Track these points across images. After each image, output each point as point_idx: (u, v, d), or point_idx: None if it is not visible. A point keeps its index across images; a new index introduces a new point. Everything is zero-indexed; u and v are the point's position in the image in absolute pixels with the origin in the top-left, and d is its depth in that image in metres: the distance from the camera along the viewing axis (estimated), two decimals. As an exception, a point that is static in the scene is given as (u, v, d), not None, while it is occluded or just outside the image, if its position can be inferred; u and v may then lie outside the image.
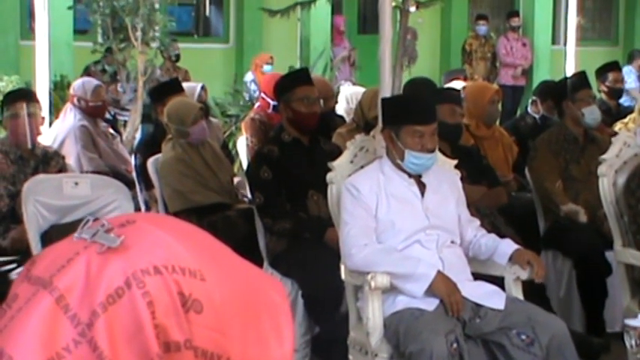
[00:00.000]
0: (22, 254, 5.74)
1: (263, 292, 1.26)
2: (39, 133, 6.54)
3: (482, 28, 15.97)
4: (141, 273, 1.15)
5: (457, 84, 8.51)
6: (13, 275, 4.77)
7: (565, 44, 13.54)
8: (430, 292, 4.68)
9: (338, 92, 9.43)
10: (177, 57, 14.08)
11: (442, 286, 4.68)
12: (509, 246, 5.00)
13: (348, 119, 8.31)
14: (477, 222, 5.10)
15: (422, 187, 4.94)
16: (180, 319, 1.16)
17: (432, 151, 4.89)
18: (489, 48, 15.88)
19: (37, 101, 6.67)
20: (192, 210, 6.57)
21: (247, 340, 1.21)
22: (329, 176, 5.17)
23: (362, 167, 5.10)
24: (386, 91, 5.69)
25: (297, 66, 14.90)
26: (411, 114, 4.90)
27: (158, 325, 1.14)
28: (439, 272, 4.70)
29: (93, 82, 8.75)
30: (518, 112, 13.00)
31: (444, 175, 5.07)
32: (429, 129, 4.87)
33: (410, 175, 4.91)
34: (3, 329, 1.16)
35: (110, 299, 1.14)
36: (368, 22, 17.98)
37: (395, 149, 4.89)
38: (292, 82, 6.57)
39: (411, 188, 4.91)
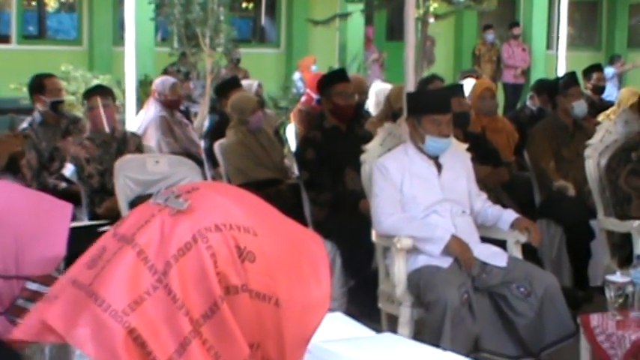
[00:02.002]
0: (114, 219, 5.77)
1: (304, 243, 1.26)
2: (114, 120, 6.55)
3: (489, 36, 15.90)
4: (205, 230, 1.15)
5: (469, 81, 8.46)
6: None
7: (557, 49, 13.47)
8: (445, 252, 4.67)
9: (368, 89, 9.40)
10: (238, 60, 14.08)
11: (456, 247, 4.67)
12: (510, 215, 4.98)
13: (377, 110, 8.29)
14: (485, 195, 5.08)
15: (439, 166, 4.91)
16: (238, 267, 1.16)
17: (448, 136, 4.87)
18: (495, 52, 15.80)
19: (110, 94, 6.68)
20: (250, 184, 6.58)
21: (292, 283, 1.20)
22: (362, 157, 5.17)
23: (389, 150, 5.08)
24: (409, 87, 5.68)
25: (336, 67, 14.88)
26: (430, 105, 4.88)
27: (219, 272, 1.14)
28: (453, 235, 4.69)
29: (170, 80, 8.77)
30: (519, 105, 12.92)
31: (458, 156, 5.04)
32: (445, 118, 4.84)
33: (429, 157, 4.89)
34: (96, 277, 1.16)
35: (180, 252, 1.15)
36: (395, 31, 17.90)
37: (417, 135, 4.87)
38: (332, 80, 6.57)
39: (430, 168, 4.89)
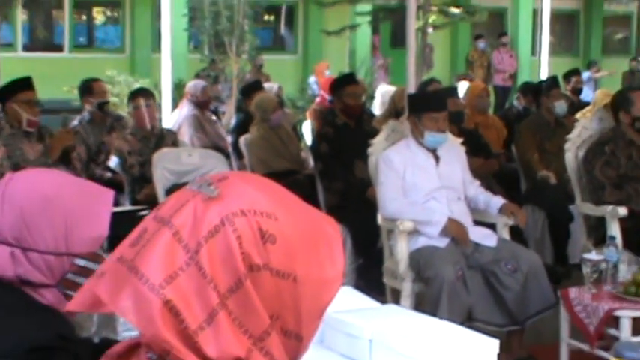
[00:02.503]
0: (152, 205, 5.78)
1: (321, 226, 1.25)
2: (155, 119, 6.55)
3: (481, 44, 15.85)
4: (232, 215, 1.15)
5: (463, 84, 8.44)
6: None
7: (540, 56, 13.42)
8: (443, 233, 4.65)
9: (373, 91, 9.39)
10: (261, 65, 14.07)
11: (453, 227, 4.65)
12: (498, 201, 4.96)
13: (382, 110, 8.27)
14: (478, 183, 5.05)
15: (437, 158, 4.89)
16: (260, 248, 1.15)
17: (444, 131, 4.85)
18: (485, 59, 15.74)
19: (152, 96, 6.67)
20: (271, 174, 6.58)
21: (309, 262, 1.20)
22: (369, 150, 5.14)
23: (393, 144, 5.05)
24: (411, 89, 5.68)
25: (346, 71, 14.86)
26: (429, 105, 4.86)
27: (244, 252, 1.14)
28: (450, 218, 4.67)
29: (201, 83, 8.76)
30: (507, 105, 12.87)
31: (453, 149, 5.01)
32: (441, 115, 4.82)
33: (428, 150, 4.87)
34: (137, 254, 1.16)
35: (210, 234, 1.14)
36: (398, 40, 17.86)
37: (417, 131, 4.84)
38: (343, 82, 6.56)
39: (429, 159, 4.87)
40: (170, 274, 1.13)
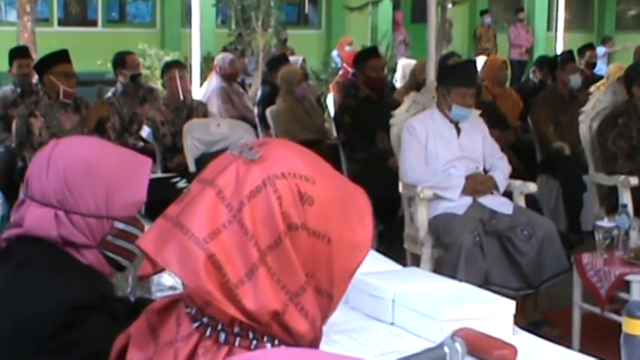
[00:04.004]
0: (182, 172, 5.81)
1: (352, 193, 1.26)
2: (187, 90, 6.56)
3: (487, 19, 15.78)
4: (273, 177, 1.16)
5: (481, 58, 8.38)
6: (180, 184, 4.83)
7: (556, 31, 13.30)
8: (463, 194, 4.62)
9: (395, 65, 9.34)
10: (286, 39, 14.00)
11: (470, 183, 4.66)
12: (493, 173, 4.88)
13: (403, 82, 8.24)
14: (499, 155, 4.97)
15: (458, 129, 4.86)
16: (298, 209, 1.16)
17: (471, 106, 4.82)
18: (492, 33, 15.65)
19: (185, 68, 6.69)
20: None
21: (342, 225, 1.21)
22: (391, 121, 5.13)
23: (414, 115, 5.04)
24: (432, 63, 5.64)
25: (369, 45, 14.78)
26: (459, 80, 4.79)
27: (284, 212, 1.15)
28: (466, 177, 4.67)
29: (229, 56, 8.75)
30: (523, 78, 12.79)
31: (475, 122, 4.96)
32: (470, 91, 4.78)
33: (451, 121, 4.85)
34: (182, 211, 1.18)
35: (252, 194, 1.16)
36: (418, 15, 17.75)
37: (445, 102, 4.80)
38: (366, 56, 6.54)
39: (451, 130, 4.84)
40: (213, 230, 1.15)
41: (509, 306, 2.16)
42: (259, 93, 9.92)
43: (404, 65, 8.75)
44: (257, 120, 7.84)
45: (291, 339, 1.19)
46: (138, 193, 1.83)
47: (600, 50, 14.28)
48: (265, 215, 1.16)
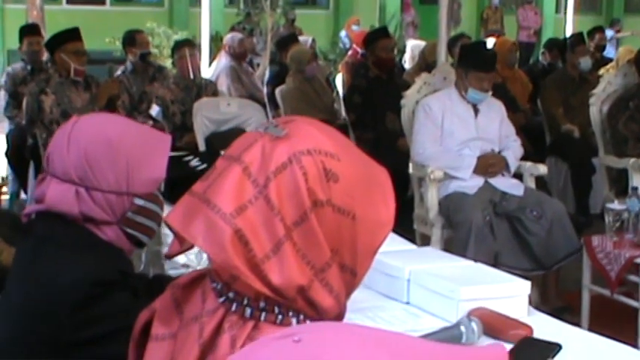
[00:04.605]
0: (192, 151, 5.81)
1: (375, 171, 1.26)
2: (197, 69, 6.55)
3: (494, 1, 15.74)
4: (299, 153, 1.16)
5: (491, 40, 8.34)
6: (192, 162, 4.82)
7: (565, 13, 13.24)
8: (474, 174, 4.63)
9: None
10: (294, 19, 13.98)
11: (482, 162, 4.66)
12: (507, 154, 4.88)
13: (412, 64, 8.22)
14: (513, 137, 4.95)
15: (476, 110, 4.82)
16: (324, 185, 1.16)
17: (488, 90, 4.77)
18: (499, 15, 15.60)
19: (195, 47, 6.66)
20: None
21: (366, 203, 1.21)
22: (402, 101, 5.12)
23: (425, 96, 5.02)
24: (442, 44, 5.63)
25: (376, 26, 14.73)
26: (478, 63, 4.73)
27: (309, 188, 1.15)
28: (478, 157, 4.67)
29: (238, 36, 8.74)
30: (532, 61, 12.74)
31: (493, 104, 4.91)
32: (488, 75, 4.75)
33: (469, 101, 4.83)
34: (208, 187, 1.18)
35: (278, 170, 1.16)
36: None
37: (462, 84, 4.75)
38: (376, 36, 6.53)
39: (469, 110, 4.79)
40: (240, 205, 1.16)
41: (524, 286, 2.16)
42: (267, 73, 9.91)
43: (413, 46, 8.72)
44: (266, 100, 7.84)
45: (316, 314, 1.20)
46: (158, 169, 1.83)
47: (609, 33, 14.23)
48: (291, 191, 1.16)
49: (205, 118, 5.90)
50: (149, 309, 1.34)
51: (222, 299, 1.21)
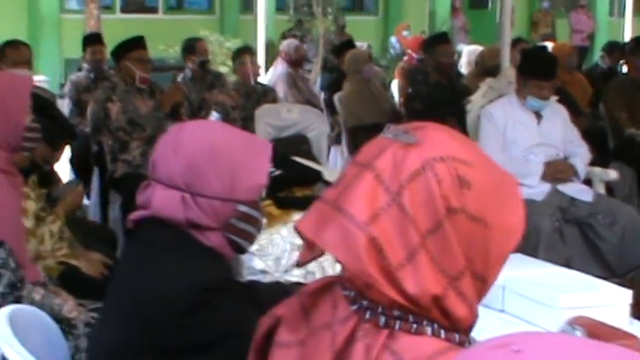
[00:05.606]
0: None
1: (504, 177, 1.25)
2: (258, 75, 6.58)
3: (545, 3, 15.59)
4: (432, 160, 1.15)
5: (548, 44, 8.28)
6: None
7: (623, 16, 13.08)
8: (543, 179, 4.57)
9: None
10: (344, 26, 13.97)
11: (550, 168, 4.62)
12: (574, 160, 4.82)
13: (468, 68, 8.16)
14: (578, 142, 4.89)
15: (539, 116, 4.77)
16: (457, 192, 1.15)
17: (548, 98, 4.70)
18: (550, 18, 15.45)
19: (254, 54, 6.70)
20: (360, 127, 6.58)
21: (497, 210, 1.20)
22: (468, 107, 5.09)
23: (490, 101, 4.97)
24: (506, 48, 5.59)
25: (426, 32, 14.66)
26: (538, 71, 4.67)
27: (443, 195, 1.14)
28: (545, 162, 4.62)
29: (294, 42, 8.75)
30: (591, 64, 12.59)
31: (556, 109, 4.87)
32: (548, 84, 4.68)
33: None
34: (340, 194, 1.17)
35: (411, 177, 1.15)
36: (476, 0, 17.64)
37: (521, 91, 4.72)
38: (436, 41, 6.50)
39: (531, 116, 4.75)
40: (373, 213, 1.14)
41: (625, 294, 2.12)
42: (319, 79, 9.92)
43: (469, 51, 8.67)
44: (323, 105, 7.83)
45: (450, 323, 1.18)
46: (260, 176, 1.83)
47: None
48: (425, 199, 1.15)
49: (267, 124, 5.93)
50: (270, 315, 1.33)
51: (354, 307, 1.19)
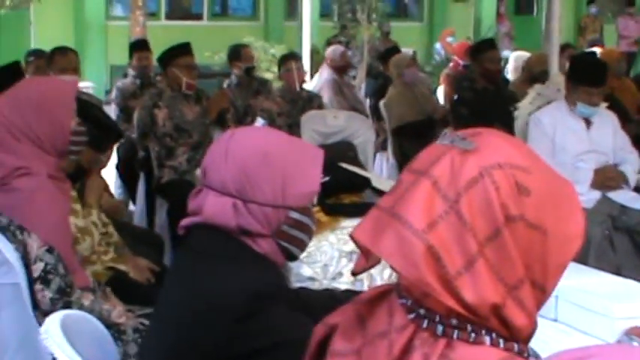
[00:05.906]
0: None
1: (562, 184, 1.23)
2: (304, 81, 6.59)
3: (593, 9, 15.44)
4: (490, 167, 1.14)
5: (596, 49, 8.18)
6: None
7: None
8: (592, 187, 4.52)
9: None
10: (389, 32, 13.95)
11: (598, 175, 4.56)
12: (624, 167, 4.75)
13: (515, 75, 8.11)
14: (629, 149, 4.81)
15: (588, 122, 4.72)
16: (516, 200, 1.14)
17: (597, 105, 4.64)
18: (598, 24, 15.28)
19: (300, 60, 6.72)
20: (404, 127, 6.58)
21: (556, 217, 1.18)
22: (516, 113, 5.07)
23: (538, 107, 4.92)
24: (554, 55, 5.54)
25: (471, 38, 14.59)
26: (587, 78, 4.61)
27: (502, 203, 1.12)
28: (594, 170, 4.56)
29: (340, 49, 8.74)
30: (633, 70, 12.44)
31: (606, 115, 4.81)
32: (597, 90, 4.62)
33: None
34: (396, 202, 1.17)
35: (469, 185, 1.13)
36: (521, 6, 17.50)
37: (571, 98, 4.66)
38: (483, 48, 6.46)
39: (580, 123, 4.70)
40: (431, 220, 1.13)
41: (682, 304, 2.08)
42: (363, 86, 9.91)
43: (516, 57, 8.60)
44: (369, 111, 7.83)
45: (509, 333, 1.17)
46: (312, 183, 1.82)
47: None
48: (483, 206, 1.13)
49: (313, 131, 5.92)
50: (324, 324, 1.33)
51: (412, 316, 1.18)
